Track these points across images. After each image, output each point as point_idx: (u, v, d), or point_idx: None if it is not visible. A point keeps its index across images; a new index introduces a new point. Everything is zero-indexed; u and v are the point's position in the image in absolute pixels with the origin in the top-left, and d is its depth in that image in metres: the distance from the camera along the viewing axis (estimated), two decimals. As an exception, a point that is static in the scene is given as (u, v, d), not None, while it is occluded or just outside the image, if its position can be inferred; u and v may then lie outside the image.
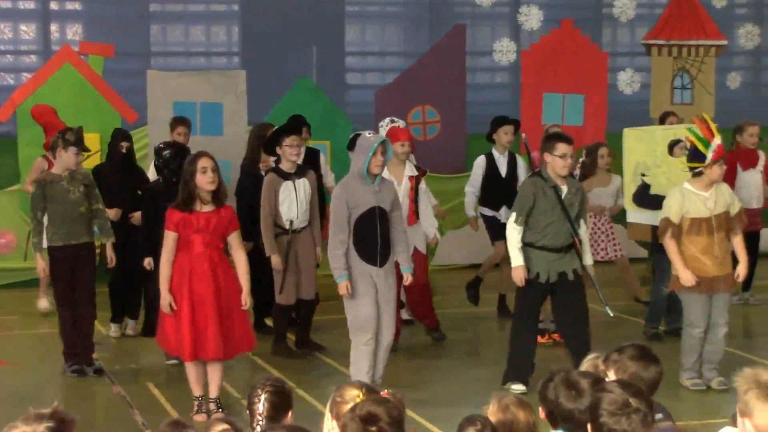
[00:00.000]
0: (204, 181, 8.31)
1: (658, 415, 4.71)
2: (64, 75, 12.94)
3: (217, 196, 8.41)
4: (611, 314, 9.24)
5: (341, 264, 8.69)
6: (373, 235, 8.73)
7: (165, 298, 8.36)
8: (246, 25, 16.02)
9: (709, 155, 8.75)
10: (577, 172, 11.32)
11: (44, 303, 12.10)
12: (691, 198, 8.88)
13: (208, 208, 8.39)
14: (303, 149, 10.90)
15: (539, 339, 9.80)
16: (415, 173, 10.72)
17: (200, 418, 8.32)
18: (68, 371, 9.73)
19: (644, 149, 10.52)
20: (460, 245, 14.33)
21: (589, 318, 9.13)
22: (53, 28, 15.59)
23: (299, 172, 10.27)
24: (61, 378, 9.71)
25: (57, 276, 9.72)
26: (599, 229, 11.61)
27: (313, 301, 10.45)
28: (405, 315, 11.13)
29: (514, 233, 8.96)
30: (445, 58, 14.25)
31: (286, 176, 10.20)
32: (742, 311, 11.99)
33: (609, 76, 14.27)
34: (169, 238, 8.40)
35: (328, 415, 4.42)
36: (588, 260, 9.16)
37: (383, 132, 10.80)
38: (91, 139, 11.14)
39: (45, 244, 9.70)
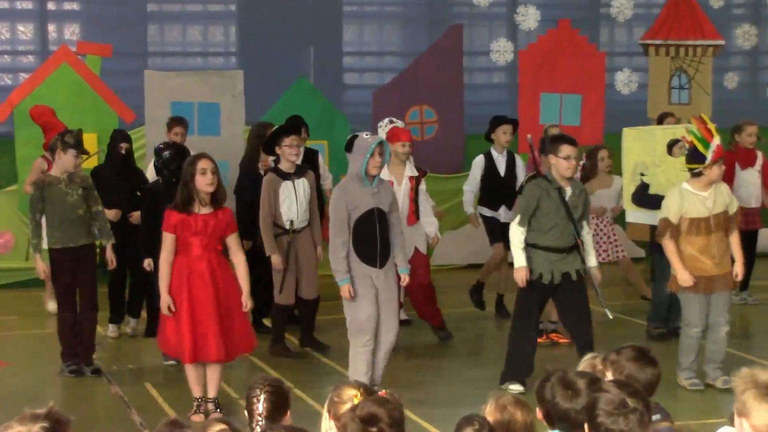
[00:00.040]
0: (203, 182, 8.30)
1: (656, 416, 4.72)
2: (62, 75, 12.92)
3: (216, 198, 8.40)
4: (610, 316, 9.25)
5: (343, 267, 8.69)
6: (372, 237, 8.74)
7: (164, 300, 8.36)
8: (243, 25, 16.00)
9: (709, 156, 8.76)
10: (578, 174, 11.33)
11: (53, 305, 12.08)
12: (690, 198, 8.89)
13: (206, 210, 8.39)
14: (302, 149, 10.91)
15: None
16: (416, 173, 10.73)
17: (198, 418, 8.32)
18: (66, 371, 9.72)
19: (643, 149, 10.53)
20: (458, 245, 14.34)
21: (591, 317, 9.14)
22: (51, 28, 15.57)
23: (299, 172, 10.28)
24: (59, 378, 9.71)
25: (57, 277, 9.71)
26: (601, 230, 11.62)
27: (315, 300, 10.46)
28: (403, 315, 11.13)
29: (517, 234, 8.96)
30: (442, 58, 14.25)
31: (285, 176, 10.21)
32: (740, 311, 11.98)
33: (606, 76, 14.27)
34: (168, 239, 8.40)
35: (325, 415, 4.42)
36: (593, 262, 9.16)
37: (382, 132, 10.81)
38: (89, 140, 11.12)
39: (45, 246, 9.69)
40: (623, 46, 17.03)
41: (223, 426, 4.16)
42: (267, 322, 10.91)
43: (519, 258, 8.96)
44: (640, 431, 3.95)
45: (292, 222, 10.21)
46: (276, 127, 10.65)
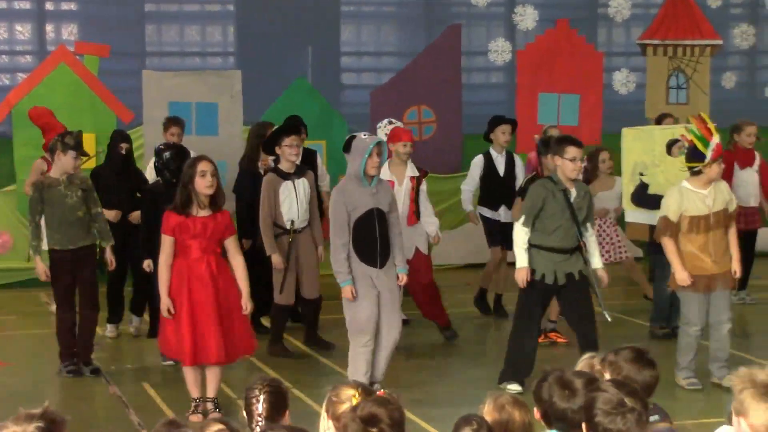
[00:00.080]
0: (202, 185, 8.30)
1: (655, 417, 4.72)
2: (60, 75, 12.93)
3: (215, 200, 8.40)
4: (609, 318, 9.24)
5: (344, 268, 8.69)
6: (372, 237, 8.74)
7: (164, 303, 8.35)
8: (241, 25, 16.00)
9: (708, 154, 8.77)
10: (580, 176, 11.32)
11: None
12: (690, 196, 8.89)
13: (204, 212, 8.38)
14: (300, 150, 10.90)
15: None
16: (417, 174, 10.74)
17: (196, 418, 8.31)
18: (64, 372, 9.72)
19: (642, 149, 10.53)
20: (456, 245, 14.34)
21: (595, 316, 9.13)
22: (48, 28, 15.57)
23: (298, 172, 10.28)
24: (58, 378, 9.71)
25: (57, 278, 9.69)
26: (604, 231, 11.60)
27: (318, 300, 10.46)
28: (402, 315, 11.12)
29: (521, 234, 8.95)
30: (440, 58, 14.24)
31: (285, 176, 10.21)
32: (739, 311, 11.97)
33: (604, 76, 14.28)
34: (166, 242, 8.39)
35: (324, 415, 4.43)
36: (598, 264, 9.15)
37: (381, 133, 10.81)
38: (87, 140, 11.11)
39: (45, 247, 9.67)
40: (621, 46, 17.03)
41: (220, 426, 4.16)
42: (265, 321, 10.91)
43: (521, 259, 8.95)
44: (638, 431, 3.95)
45: (292, 222, 10.21)
46: (276, 128, 10.65)
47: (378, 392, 4.29)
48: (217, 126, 12.93)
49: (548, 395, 4.52)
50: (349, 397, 4.32)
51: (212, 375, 8.48)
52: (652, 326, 10.94)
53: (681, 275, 8.89)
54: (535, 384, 4.69)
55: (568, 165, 8.87)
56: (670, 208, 8.93)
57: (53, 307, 11.70)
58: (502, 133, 11.75)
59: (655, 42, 14.48)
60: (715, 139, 8.78)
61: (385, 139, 10.26)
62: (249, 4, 15.92)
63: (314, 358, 10.36)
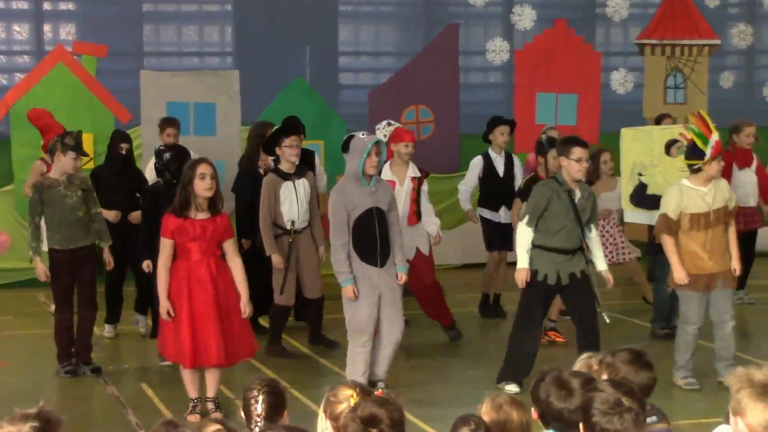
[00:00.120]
0: (201, 187, 8.29)
1: (653, 418, 4.72)
2: (57, 75, 12.92)
3: (214, 203, 8.40)
4: (607, 320, 9.24)
5: (345, 268, 8.70)
6: (372, 236, 8.75)
7: (163, 306, 8.35)
8: (239, 25, 16.00)
9: (708, 151, 8.77)
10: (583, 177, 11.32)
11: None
12: (690, 194, 8.90)
13: (203, 215, 8.37)
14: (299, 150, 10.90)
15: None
16: (418, 174, 10.75)
17: (194, 418, 8.31)
18: (62, 372, 9.71)
19: (641, 149, 10.53)
20: (454, 245, 14.34)
21: (596, 315, 9.13)
22: (46, 28, 15.57)
23: (299, 172, 10.29)
24: (57, 378, 9.70)
25: (56, 278, 9.68)
26: (607, 232, 11.59)
27: (320, 299, 10.46)
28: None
29: (525, 235, 8.94)
30: (438, 58, 14.24)
31: (285, 176, 10.21)
32: (737, 310, 11.93)
33: (602, 76, 14.29)
34: (166, 245, 8.38)
35: (321, 415, 4.43)
36: (603, 265, 9.14)
37: (380, 135, 10.82)
38: (85, 140, 11.10)
39: (45, 248, 9.67)
40: (619, 45, 17.04)
41: (218, 426, 4.16)
42: (263, 321, 10.91)
43: (522, 259, 8.94)
44: (636, 431, 3.95)
45: (293, 222, 10.21)
46: (276, 128, 10.64)
47: (377, 392, 4.30)
48: (215, 126, 12.92)
49: (545, 395, 4.52)
50: (347, 397, 4.32)
51: (212, 376, 8.48)
52: (653, 327, 10.93)
53: (679, 274, 8.89)
54: (532, 384, 4.70)
55: (573, 165, 8.86)
56: (669, 205, 8.93)
57: (52, 308, 11.71)
58: (500, 134, 11.75)
59: (653, 42, 14.49)
60: (715, 137, 8.78)
61: (384, 140, 10.26)
62: (247, 4, 15.92)
63: (313, 358, 10.36)
